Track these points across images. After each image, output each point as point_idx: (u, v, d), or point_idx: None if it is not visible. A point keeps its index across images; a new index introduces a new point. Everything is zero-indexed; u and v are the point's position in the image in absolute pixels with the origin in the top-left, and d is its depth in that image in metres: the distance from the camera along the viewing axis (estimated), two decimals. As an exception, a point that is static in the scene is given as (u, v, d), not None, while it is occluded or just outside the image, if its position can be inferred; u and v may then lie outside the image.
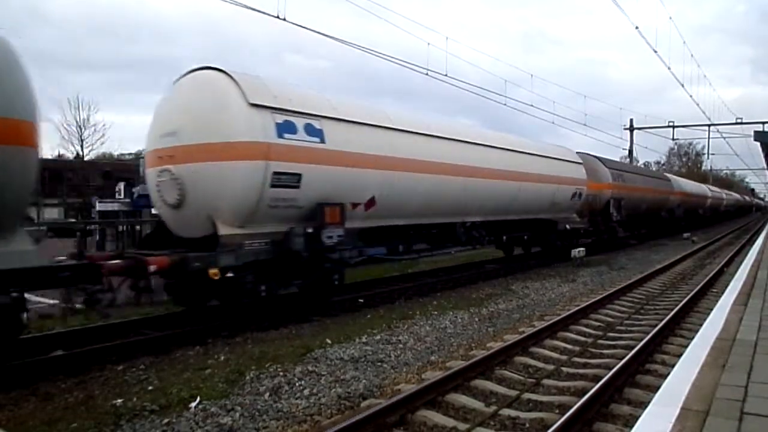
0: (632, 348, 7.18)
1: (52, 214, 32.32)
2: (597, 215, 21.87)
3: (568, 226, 18.78)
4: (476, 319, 9.78)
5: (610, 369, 6.26)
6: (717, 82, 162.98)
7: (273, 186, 8.63)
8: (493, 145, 14.43)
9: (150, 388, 6.11)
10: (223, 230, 8.38)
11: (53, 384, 6.26)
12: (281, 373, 6.49)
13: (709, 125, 37.30)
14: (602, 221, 22.19)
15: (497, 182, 14.24)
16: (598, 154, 23.80)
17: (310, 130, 9.27)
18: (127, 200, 19.49)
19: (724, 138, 41.61)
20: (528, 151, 16.24)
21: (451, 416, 5.36)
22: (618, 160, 27.08)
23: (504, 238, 15.86)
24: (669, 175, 38.18)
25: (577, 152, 20.93)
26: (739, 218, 65.68)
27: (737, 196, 72.94)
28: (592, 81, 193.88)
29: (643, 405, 4.53)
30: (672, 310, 9.67)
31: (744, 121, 35.36)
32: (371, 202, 10.43)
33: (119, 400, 5.68)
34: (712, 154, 77.63)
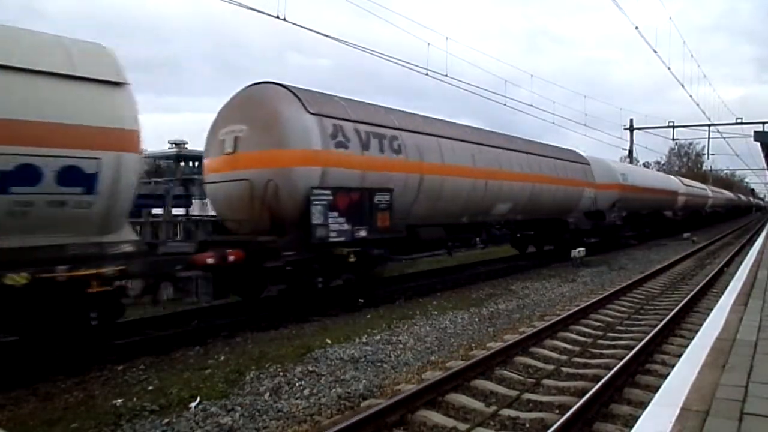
0: (632, 348, 7.18)
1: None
2: (295, 228, 9.23)
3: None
4: (476, 319, 9.78)
5: (610, 369, 6.26)
6: (721, 82, 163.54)
7: None
8: None
9: (150, 388, 6.11)
10: None
11: (53, 384, 6.26)
12: (281, 373, 6.49)
13: (709, 125, 37.40)
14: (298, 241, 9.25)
15: None
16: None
17: None
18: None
19: (725, 138, 41.73)
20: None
21: (451, 416, 5.37)
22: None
23: None
24: (592, 157, 22.31)
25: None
26: (735, 220, 61.11)
27: (730, 194, 66.40)
28: (592, 81, 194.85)
29: (643, 405, 4.54)
30: (672, 310, 9.67)
31: (744, 121, 35.46)
32: None
33: (119, 400, 5.68)
34: (713, 154, 77.88)
